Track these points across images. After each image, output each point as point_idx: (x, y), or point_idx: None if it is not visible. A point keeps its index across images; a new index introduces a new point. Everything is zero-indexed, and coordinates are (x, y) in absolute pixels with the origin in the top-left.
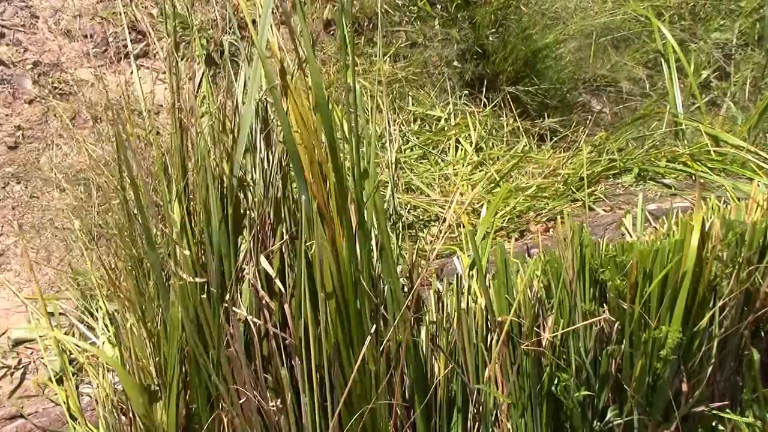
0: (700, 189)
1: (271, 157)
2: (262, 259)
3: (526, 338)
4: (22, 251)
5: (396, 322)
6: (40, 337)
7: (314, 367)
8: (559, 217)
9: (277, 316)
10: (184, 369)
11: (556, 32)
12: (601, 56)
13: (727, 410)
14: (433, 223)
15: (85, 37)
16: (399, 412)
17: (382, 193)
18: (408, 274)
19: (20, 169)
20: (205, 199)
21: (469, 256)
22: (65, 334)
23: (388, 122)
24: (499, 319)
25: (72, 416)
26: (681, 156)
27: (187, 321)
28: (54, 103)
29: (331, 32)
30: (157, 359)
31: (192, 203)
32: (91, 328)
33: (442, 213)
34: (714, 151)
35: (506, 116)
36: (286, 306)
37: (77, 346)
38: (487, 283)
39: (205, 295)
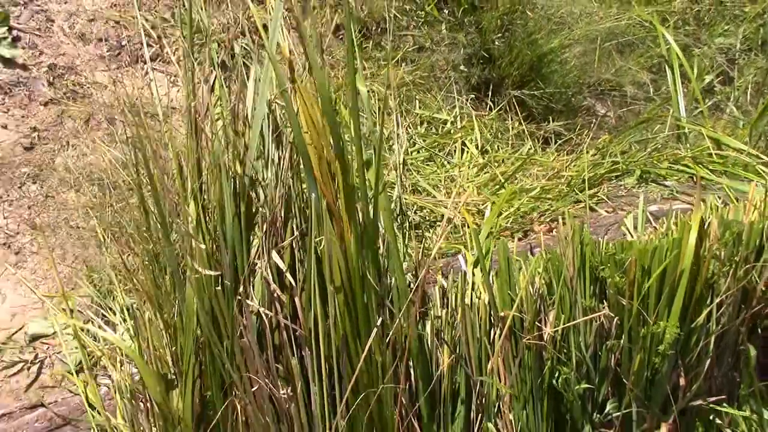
0: (699, 190)
1: (281, 157)
2: (274, 254)
3: (528, 333)
4: (39, 249)
5: (401, 314)
6: (58, 331)
7: (323, 357)
8: (561, 217)
9: (288, 308)
10: (199, 358)
11: (562, 37)
12: (605, 61)
13: (725, 404)
14: (438, 223)
15: (100, 40)
16: (404, 401)
17: (389, 193)
18: (414, 272)
19: (36, 169)
20: (219, 197)
21: (473, 254)
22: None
23: (396, 125)
24: (502, 314)
25: (90, 405)
26: (683, 158)
27: (202, 313)
28: (69, 105)
29: (340, 36)
30: (173, 349)
31: (206, 201)
32: (107, 322)
33: (448, 214)
34: (715, 154)
35: (511, 119)
36: (296, 299)
37: (96, 337)
38: (491, 280)
39: (219, 288)
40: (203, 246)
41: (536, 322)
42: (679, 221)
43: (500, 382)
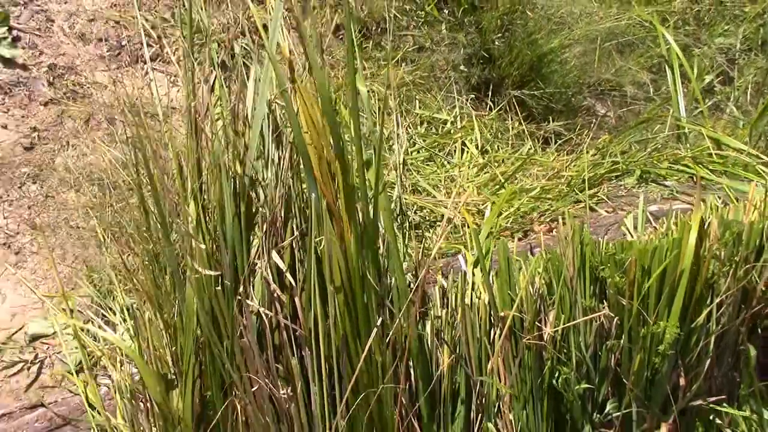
0: (699, 190)
1: (281, 157)
2: (274, 254)
3: (528, 333)
4: (39, 249)
5: (401, 314)
6: (58, 331)
7: (323, 357)
8: (561, 217)
9: (288, 308)
10: (199, 358)
11: (562, 37)
12: (605, 61)
13: (725, 404)
14: (438, 223)
15: (100, 40)
16: (404, 401)
17: (389, 193)
18: (414, 272)
19: (36, 169)
20: (219, 197)
21: (473, 254)
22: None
23: (396, 125)
24: (502, 314)
25: (90, 405)
26: (683, 158)
27: (202, 312)
28: (69, 105)
29: (340, 36)
30: (173, 349)
31: (206, 201)
32: (107, 322)
33: (448, 214)
34: (715, 154)
35: (512, 119)
36: (296, 299)
37: (96, 337)
38: (491, 280)
39: (219, 288)
40: (203, 246)
41: (536, 322)
42: (679, 221)
43: (500, 382)
